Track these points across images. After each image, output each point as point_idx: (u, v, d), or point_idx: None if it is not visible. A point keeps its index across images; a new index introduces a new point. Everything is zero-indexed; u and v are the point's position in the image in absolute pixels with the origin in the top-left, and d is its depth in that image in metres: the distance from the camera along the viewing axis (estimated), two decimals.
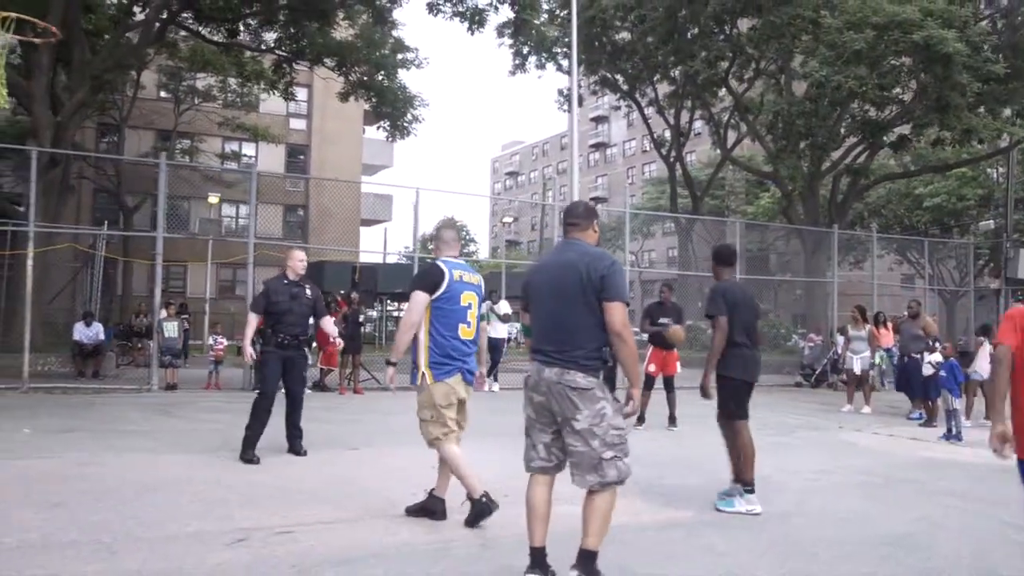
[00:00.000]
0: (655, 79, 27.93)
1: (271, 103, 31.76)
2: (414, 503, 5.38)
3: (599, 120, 75.83)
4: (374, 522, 5.18)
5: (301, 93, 36.00)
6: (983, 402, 11.76)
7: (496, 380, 15.35)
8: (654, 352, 10.57)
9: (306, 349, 7.91)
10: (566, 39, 27.33)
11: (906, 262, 33.77)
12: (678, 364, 10.73)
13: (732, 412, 5.97)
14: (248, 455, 7.10)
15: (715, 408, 6.12)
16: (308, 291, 7.58)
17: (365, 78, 19.98)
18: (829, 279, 20.41)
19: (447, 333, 5.04)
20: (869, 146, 21.19)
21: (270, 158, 35.94)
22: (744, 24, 22.51)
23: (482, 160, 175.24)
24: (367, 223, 40.28)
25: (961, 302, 31.57)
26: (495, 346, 15.48)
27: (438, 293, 5.01)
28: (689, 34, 23.07)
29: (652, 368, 10.51)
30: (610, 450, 3.84)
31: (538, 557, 3.97)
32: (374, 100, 20.63)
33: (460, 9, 17.72)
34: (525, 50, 27.62)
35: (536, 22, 20.28)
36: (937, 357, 10.83)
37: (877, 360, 14.45)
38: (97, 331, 14.93)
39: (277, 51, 19.75)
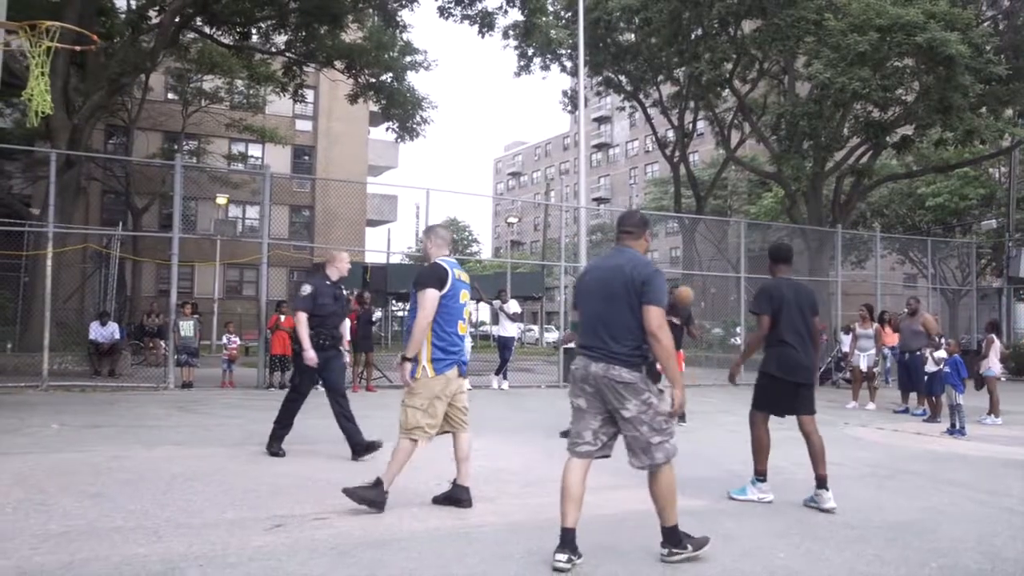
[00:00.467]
0: (659, 80, 28.12)
1: (277, 104, 31.99)
2: (440, 493, 5.60)
3: (601, 120, 76.05)
4: (402, 510, 5.39)
5: (308, 95, 36.24)
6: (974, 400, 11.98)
7: (505, 378, 15.58)
8: None
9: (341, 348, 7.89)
10: (571, 40, 27.64)
11: (908, 261, 33.93)
12: (683, 364, 10.92)
13: (757, 403, 6.12)
14: (275, 448, 7.32)
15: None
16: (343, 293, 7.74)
17: (374, 80, 20.20)
18: (832, 278, 20.64)
19: (449, 329, 5.25)
20: (872, 146, 21.38)
21: (277, 159, 36.15)
22: (748, 26, 22.70)
23: (485, 160, 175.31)
24: (372, 223, 40.56)
25: (963, 301, 31.76)
26: (505, 344, 15.72)
27: (444, 291, 5.22)
28: (693, 35, 23.28)
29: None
30: (657, 435, 4.29)
31: (568, 537, 4.24)
32: (383, 102, 20.85)
33: (470, 12, 17.95)
34: (531, 51, 27.87)
35: (544, 18, 20.35)
36: (942, 354, 11.02)
37: (879, 358, 14.69)
38: (113, 330, 15.16)
39: (288, 53, 19.97)
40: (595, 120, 76.21)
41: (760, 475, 5.99)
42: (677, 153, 29.74)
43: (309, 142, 37.48)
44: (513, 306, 15.78)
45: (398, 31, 18.90)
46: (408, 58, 20.91)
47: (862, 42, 16.24)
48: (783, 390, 5.98)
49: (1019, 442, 9.68)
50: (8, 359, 14.87)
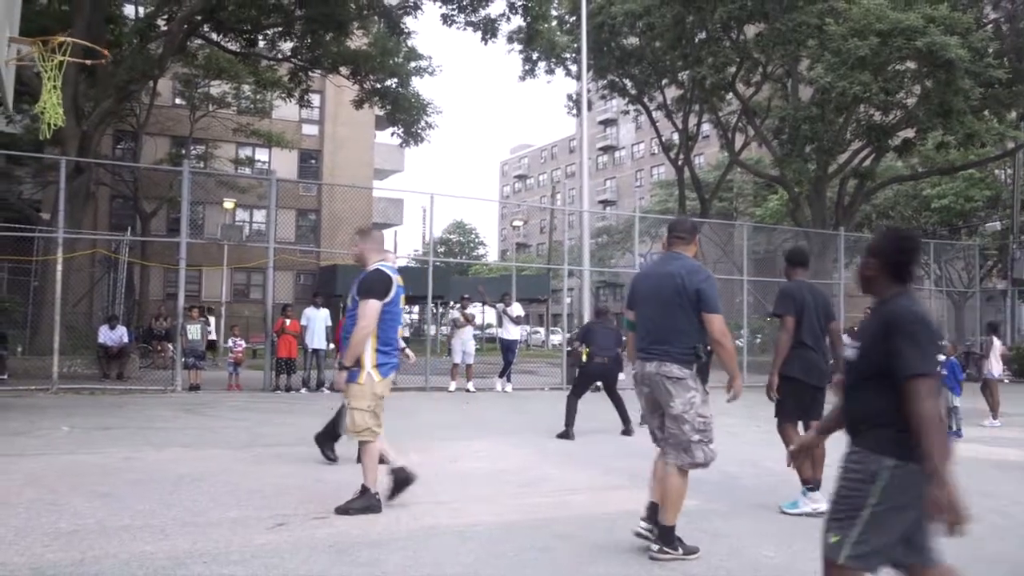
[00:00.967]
0: (663, 84, 28.24)
1: (284, 109, 32.20)
2: (386, 489, 5.60)
3: (607, 123, 76.19)
4: (399, 510, 5.55)
5: (313, 99, 36.43)
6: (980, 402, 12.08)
7: (509, 381, 15.72)
8: None
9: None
10: (575, 44, 27.78)
11: None
12: None
13: (787, 412, 5.95)
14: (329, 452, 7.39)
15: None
16: None
17: (379, 85, 20.40)
18: (836, 281, 20.72)
19: (391, 335, 5.39)
20: (875, 149, 21.47)
21: (283, 163, 36.42)
22: (751, 30, 22.83)
23: (491, 163, 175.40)
24: (378, 227, 40.76)
25: (970, 303, 31.78)
26: (508, 347, 15.87)
27: (388, 298, 5.32)
28: (696, 39, 23.41)
29: None
30: (698, 434, 4.51)
31: (652, 511, 4.67)
32: (388, 107, 21.05)
33: (473, 19, 18.13)
34: (535, 56, 28.02)
35: (545, 26, 20.47)
36: (939, 356, 11.13)
37: None
38: (121, 334, 15.38)
39: (293, 60, 20.19)
40: (601, 123, 76.36)
41: (808, 483, 5.78)
42: (681, 156, 29.85)
43: (316, 146, 37.72)
44: (516, 309, 15.93)
45: (402, 37, 19.06)
46: (413, 64, 21.12)
47: (862, 47, 16.38)
48: (805, 393, 5.95)
49: (1015, 444, 9.80)
50: (19, 362, 15.09)
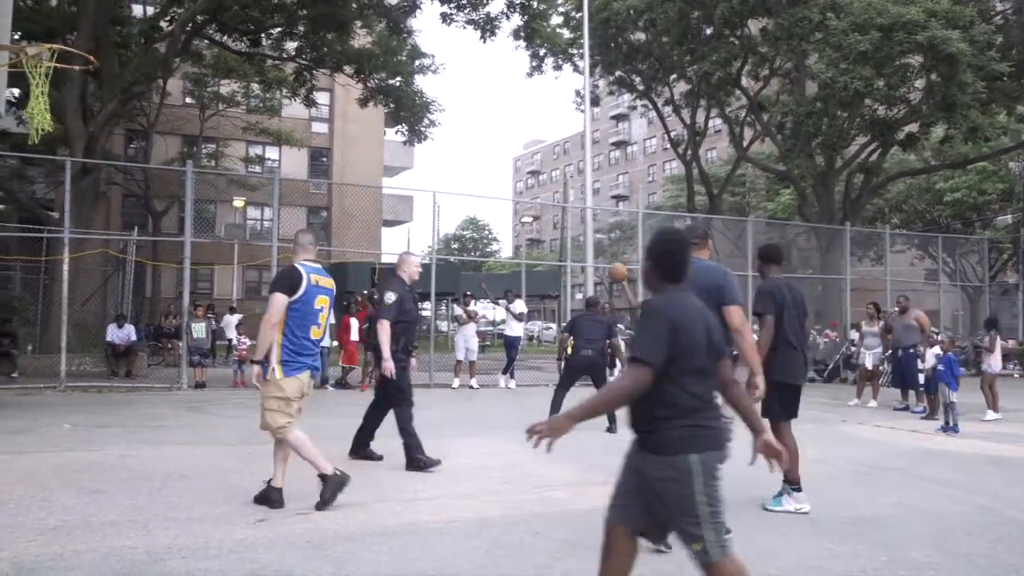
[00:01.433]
0: (671, 79, 28.19)
1: (293, 108, 32.37)
2: (258, 492, 5.62)
3: (619, 118, 76.01)
4: (382, 506, 5.65)
5: (323, 97, 36.60)
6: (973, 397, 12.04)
7: (512, 377, 15.79)
8: None
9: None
10: (582, 40, 27.79)
11: (928, 257, 33.72)
12: None
13: (776, 414, 5.81)
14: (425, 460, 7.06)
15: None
16: None
17: (383, 84, 20.51)
18: (843, 276, 20.63)
19: (300, 333, 5.37)
20: (880, 144, 21.37)
21: (294, 161, 36.64)
22: (755, 25, 22.77)
23: (504, 159, 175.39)
24: (389, 224, 40.94)
25: (984, 297, 31.46)
26: (511, 344, 15.95)
27: (296, 296, 5.34)
28: (703, 35, 23.36)
29: None
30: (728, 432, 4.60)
31: None
32: (392, 106, 21.15)
33: (473, 17, 18.18)
34: (541, 52, 28.03)
35: (546, 24, 20.42)
36: (936, 351, 11.12)
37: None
38: (129, 332, 15.56)
39: (298, 59, 20.33)
40: (612, 118, 76.24)
41: (794, 484, 5.76)
42: (689, 152, 29.80)
43: (325, 144, 37.91)
44: (519, 306, 15.99)
45: (404, 36, 19.12)
46: (416, 62, 21.20)
47: (863, 41, 16.30)
48: (789, 393, 5.98)
49: (1011, 439, 9.76)
50: (29, 361, 15.32)
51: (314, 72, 20.50)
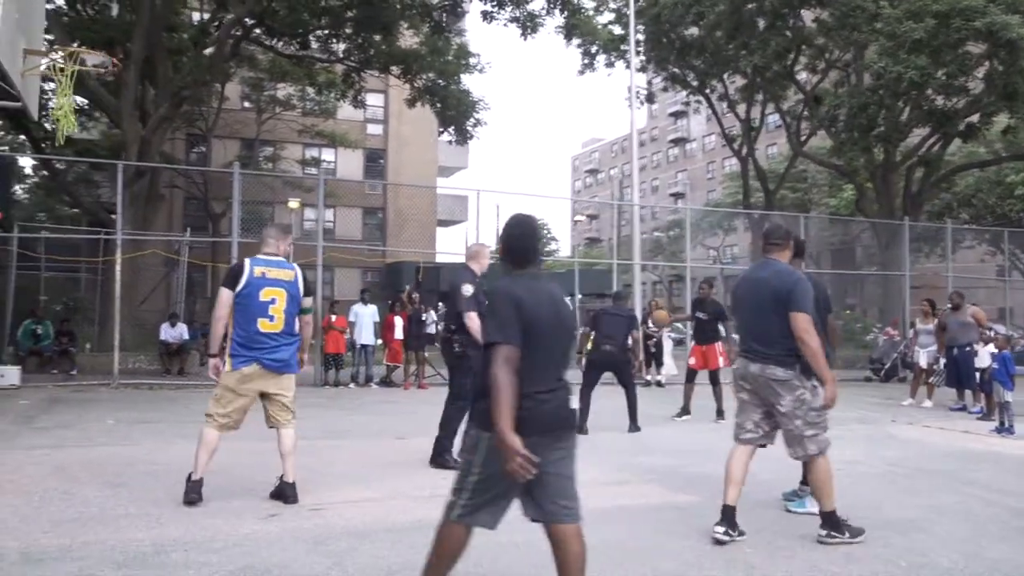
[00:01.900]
0: (726, 74, 27.69)
1: (349, 110, 32.78)
2: (273, 488, 5.67)
3: (678, 115, 75.07)
4: (395, 502, 5.65)
5: (377, 99, 37.04)
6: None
7: None
8: (694, 347, 10.89)
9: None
10: (636, 37, 27.48)
11: (1000, 253, 32.49)
12: (721, 358, 10.82)
13: None
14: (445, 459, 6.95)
15: None
16: None
17: (430, 84, 20.62)
18: (901, 272, 19.98)
19: (247, 326, 5.37)
20: (941, 136, 20.61)
21: (350, 163, 37.12)
22: (809, 17, 22.21)
23: (563, 158, 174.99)
24: (445, 223, 41.17)
25: None
26: None
27: (238, 288, 5.36)
28: (756, 28, 22.87)
29: (692, 361, 10.82)
30: (811, 428, 4.78)
31: (728, 513, 4.81)
32: (439, 105, 21.25)
33: (516, 15, 18.11)
34: (593, 49, 27.84)
35: (586, 19, 20.11)
36: (991, 348, 10.68)
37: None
38: (181, 331, 15.94)
39: (346, 61, 20.57)
40: (671, 115, 75.40)
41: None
42: (744, 148, 29.25)
43: (380, 145, 38.30)
44: None
45: (453, 36, 19.12)
46: (462, 61, 21.24)
47: (918, 29, 15.72)
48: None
49: None
50: (88, 359, 15.82)
51: (362, 74, 20.70)
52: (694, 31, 26.31)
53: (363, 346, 14.70)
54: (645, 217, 73.85)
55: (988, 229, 27.39)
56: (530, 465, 2.94)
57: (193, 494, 5.38)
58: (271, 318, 5.38)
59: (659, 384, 15.75)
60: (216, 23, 17.56)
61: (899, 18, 16.27)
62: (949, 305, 12.54)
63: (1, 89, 6.39)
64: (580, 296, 22.69)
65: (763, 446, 5.05)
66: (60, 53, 5.76)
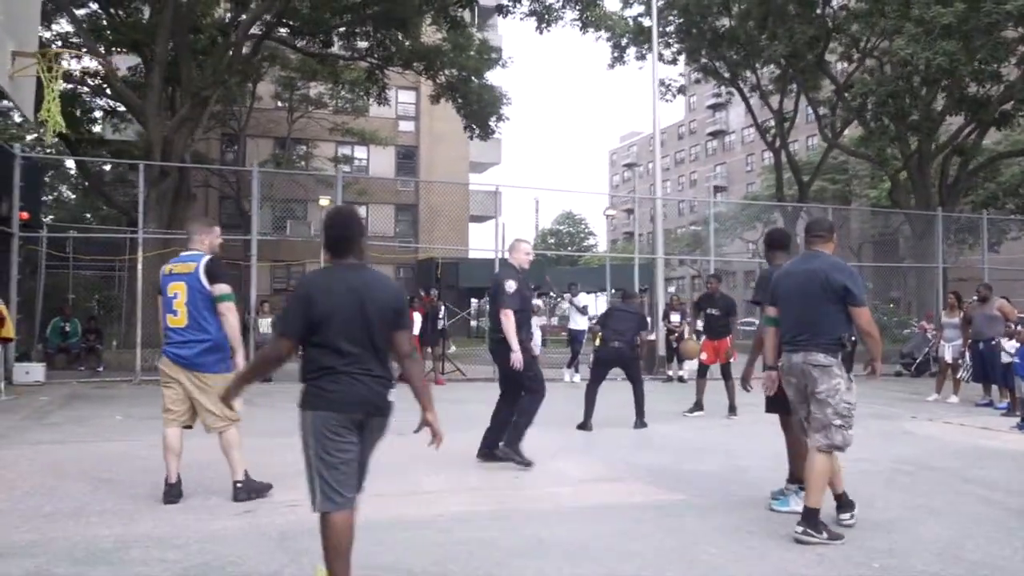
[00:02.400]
0: (757, 65, 27.21)
1: (381, 108, 33.04)
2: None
3: (716, 107, 74.08)
4: (374, 499, 5.58)
5: (410, 96, 37.21)
6: None
7: (577, 371, 15.60)
8: (705, 341, 10.78)
9: None
10: (666, 28, 27.14)
11: None
12: (734, 353, 10.66)
13: (780, 409, 5.55)
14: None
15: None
16: None
17: (452, 80, 20.61)
18: (936, 265, 19.49)
19: (162, 321, 5.52)
20: (976, 124, 19.99)
21: (382, 160, 37.35)
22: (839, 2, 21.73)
23: (601, 152, 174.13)
24: (478, 219, 41.21)
25: None
26: (575, 338, 15.79)
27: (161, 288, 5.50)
28: (786, 16, 22.42)
29: (704, 356, 10.69)
30: (839, 418, 4.78)
31: (842, 501, 5.04)
32: (460, 101, 21.23)
33: (534, 8, 17.96)
34: (623, 42, 27.54)
35: (605, 11, 19.76)
36: (1014, 343, 10.35)
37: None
38: None
39: (368, 59, 20.64)
40: (709, 107, 74.51)
41: (800, 483, 5.32)
42: (777, 139, 28.75)
43: (412, 142, 38.46)
44: (582, 299, 15.81)
45: (480, 31, 18.98)
46: (485, 56, 21.17)
47: (946, 14, 15.23)
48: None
49: None
50: (114, 355, 16.11)
51: (385, 71, 20.75)
52: (725, 22, 25.91)
53: None
54: (684, 211, 73.28)
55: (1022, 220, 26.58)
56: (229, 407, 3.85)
57: (170, 496, 5.41)
58: (175, 313, 5.40)
59: (681, 380, 15.58)
60: (236, 23, 17.74)
61: (928, 2, 15.77)
62: (976, 297, 12.18)
63: None
64: (613, 291, 22.54)
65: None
66: (50, 53, 5.83)
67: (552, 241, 74.98)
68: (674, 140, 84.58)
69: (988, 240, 29.47)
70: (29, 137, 26.11)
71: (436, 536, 4.74)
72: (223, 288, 5.37)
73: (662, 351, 16.77)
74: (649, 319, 13.58)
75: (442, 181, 32.94)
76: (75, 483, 5.93)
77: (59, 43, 19.83)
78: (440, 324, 15.06)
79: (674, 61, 28.83)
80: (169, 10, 15.61)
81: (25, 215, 14.07)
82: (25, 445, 7.67)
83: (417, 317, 14.93)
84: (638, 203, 51.07)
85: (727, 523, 5.12)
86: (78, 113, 22.20)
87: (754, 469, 6.86)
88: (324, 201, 31.17)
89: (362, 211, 37.45)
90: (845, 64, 26.05)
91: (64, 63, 5.83)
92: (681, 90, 32.79)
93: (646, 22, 27.09)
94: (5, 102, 5.60)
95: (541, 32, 18.20)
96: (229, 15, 18.15)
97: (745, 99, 29.46)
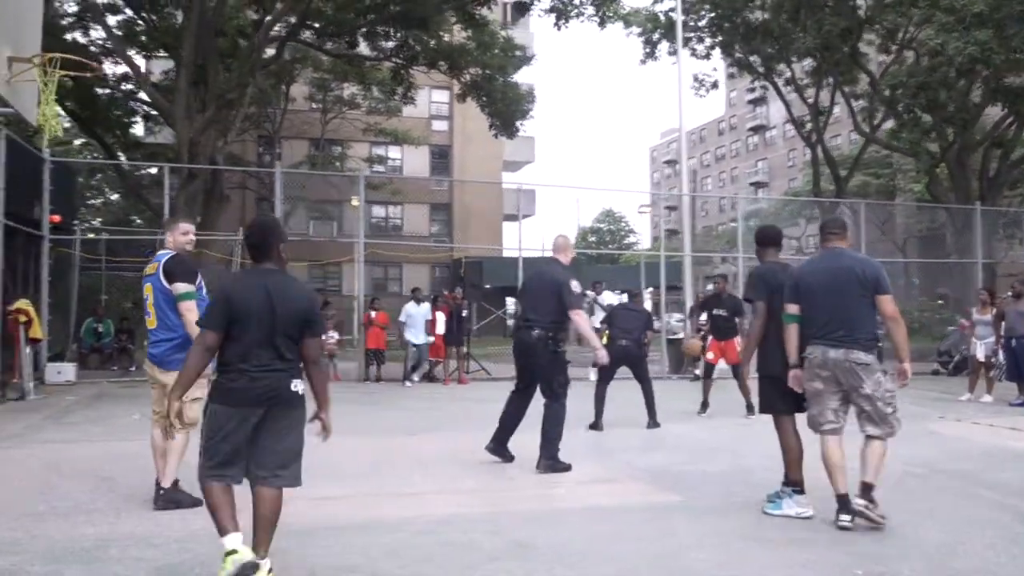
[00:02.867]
0: (793, 58, 26.74)
1: (414, 107, 33.17)
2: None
3: (756, 102, 73.09)
4: (366, 500, 5.62)
5: (443, 95, 37.32)
6: None
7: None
8: (712, 341, 10.65)
9: None
10: (698, 23, 26.83)
11: None
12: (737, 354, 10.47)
13: (774, 408, 5.46)
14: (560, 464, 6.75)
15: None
16: None
17: (477, 79, 20.58)
18: (975, 260, 18.95)
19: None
20: (1015, 115, 19.38)
21: (416, 160, 37.52)
22: None
23: (642, 149, 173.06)
24: (512, 218, 41.23)
25: None
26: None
27: None
28: (819, 8, 21.99)
29: (711, 356, 10.58)
30: (889, 407, 4.99)
31: (844, 501, 4.92)
32: (484, 99, 21.19)
33: (552, 5, 17.85)
34: (655, 37, 27.26)
35: (614, 9, 19.40)
36: None
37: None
38: None
39: (393, 59, 20.71)
40: (750, 102, 73.46)
41: (795, 486, 5.26)
42: (814, 134, 28.23)
43: (445, 141, 38.58)
44: (607, 298, 15.68)
45: (482, 26, 18.92)
46: (510, 54, 21.09)
47: (977, 2, 14.76)
48: (786, 387, 5.36)
49: None
50: (144, 355, 16.35)
51: (410, 70, 20.80)
52: (759, 15, 25.51)
53: (416, 345, 14.61)
54: (725, 207, 72.39)
55: None
56: (175, 426, 4.01)
57: (159, 500, 5.32)
58: (148, 314, 5.45)
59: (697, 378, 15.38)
60: (258, 25, 17.95)
61: None
62: (1010, 293, 11.81)
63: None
64: (651, 289, 22.32)
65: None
66: (44, 58, 5.92)
67: (593, 239, 74.64)
68: (714, 136, 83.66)
69: None
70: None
71: (413, 538, 4.70)
72: (181, 287, 5.30)
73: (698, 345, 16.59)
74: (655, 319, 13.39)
75: (472, 180, 32.96)
76: (75, 482, 6.01)
77: (94, 49, 20.32)
78: (463, 323, 15.00)
79: (707, 56, 28.45)
80: (195, 13, 15.84)
81: (56, 218, 14.38)
82: (37, 444, 7.82)
83: (441, 316, 14.95)
84: (675, 200, 50.42)
85: (719, 526, 5.01)
86: (116, 116, 22.74)
87: (760, 470, 6.68)
88: (355, 202, 31.48)
89: (396, 210, 37.73)
90: (883, 56, 25.51)
91: (105, 68, 5.90)
92: (715, 85, 32.38)
93: (674, 17, 26.81)
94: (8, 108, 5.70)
95: (559, 28, 18.05)
96: (255, 17, 18.31)
97: (780, 93, 29.01)
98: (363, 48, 20.63)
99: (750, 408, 10.20)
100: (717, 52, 28.19)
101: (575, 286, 6.71)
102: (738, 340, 10.39)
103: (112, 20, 20.91)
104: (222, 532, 3.76)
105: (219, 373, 3.75)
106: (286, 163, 30.31)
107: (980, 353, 12.56)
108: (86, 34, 20.67)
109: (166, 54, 19.93)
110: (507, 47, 20.80)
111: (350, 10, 17.56)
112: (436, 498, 5.73)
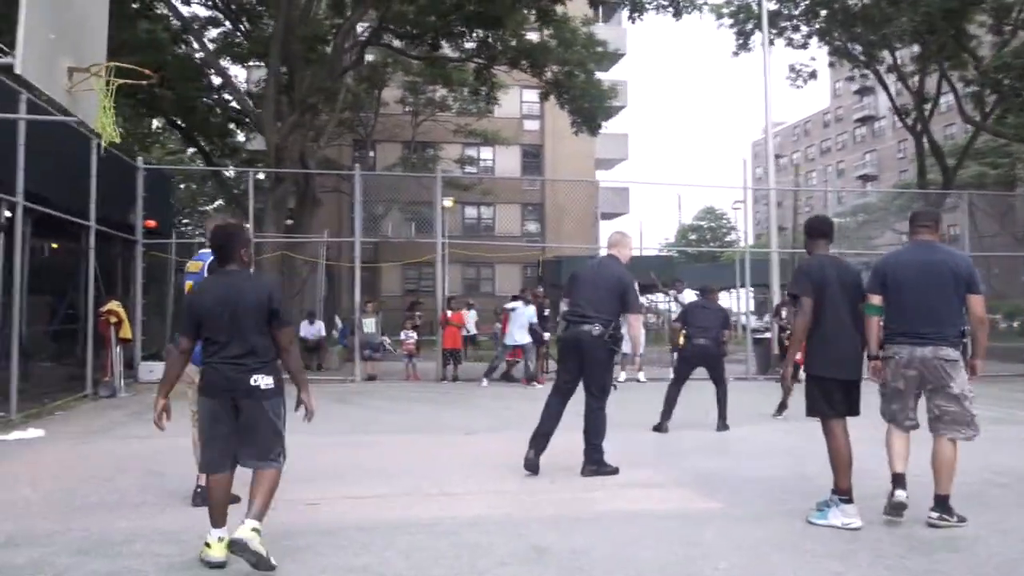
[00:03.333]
0: (896, 44, 25.46)
1: (505, 107, 33.18)
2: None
3: (864, 92, 70.02)
4: (396, 499, 5.59)
5: (533, 95, 37.29)
6: None
7: (641, 369, 15.01)
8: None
9: None
10: (793, 12, 25.90)
11: None
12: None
13: (820, 411, 5.17)
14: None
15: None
16: None
17: (558, 76, 20.43)
18: None
19: None
20: None
21: (508, 160, 37.62)
22: None
23: (743, 143, 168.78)
24: (607, 216, 40.82)
25: None
26: None
27: None
28: None
29: (798, 356, 10.05)
30: (973, 407, 4.90)
31: (900, 479, 4.95)
32: (565, 96, 21.01)
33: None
34: (748, 27, 26.47)
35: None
36: None
37: None
38: (319, 328, 16.75)
39: (475, 59, 20.78)
40: (856, 92, 70.48)
41: (843, 495, 4.97)
42: (919, 124, 26.81)
43: (537, 140, 38.52)
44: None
45: (555, 21, 18.69)
46: (592, 51, 20.83)
47: None
48: (835, 389, 5.12)
49: None
50: None
51: (491, 70, 20.81)
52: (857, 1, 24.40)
53: (519, 346, 14.27)
54: (831, 202, 69.73)
55: None
56: (158, 422, 4.21)
57: (196, 498, 5.37)
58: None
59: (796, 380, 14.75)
60: (336, 30, 18.35)
61: None
62: None
63: (60, 107, 6.93)
64: (752, 288, 21.69)
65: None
66: (102, 67, 6.16)
67: (693, 237, 73.20)
68: (819, 128, 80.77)
69: None
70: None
71: (432, 540, 4.62)
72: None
73: (776, 349, 15.97)
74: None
75: (559, 179, 32.79)
76: (128, 477, 6.21)
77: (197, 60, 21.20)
78: (546, 322, 14.76)
79: (804, 45, 27.42)
80: (280, 20, 16.29)
81: (152, 223, 15.01)
82: (114, 439, 8.15)
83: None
84: (778, 195, 49.01)
85: (753, 535, 4.74)
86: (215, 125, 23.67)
87: (819, 478, 6.25)
88: (447, 202, 31.77)
89: (488, 211, 37.91)
90: (995, 38, 23.97)
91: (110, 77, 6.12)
92: (813, 75, 31.19)
93: (770, 5, 25.95)
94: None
95: (633, 21, 17.66)
96: (339, 21, 18.70)
97: (882, 82, 27.73)
98: (446, 50, 20.78)
99: (781, 407, 9.77)
100: (815, 41, 27.18)
101: (637, 288, 6.71)
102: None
103: (213, 32, 21.85)
104: (211, 524, 4.14)
105: (203, 367, 4.19)
106: (380, 166, 30.99)
107: None
108: (188, 46, 21.54)
109: (260, 63, 20.58)
110: (588, 43, 20.59)
111: (431, 12, 17.72)
112: (470, 499, 5.66)
